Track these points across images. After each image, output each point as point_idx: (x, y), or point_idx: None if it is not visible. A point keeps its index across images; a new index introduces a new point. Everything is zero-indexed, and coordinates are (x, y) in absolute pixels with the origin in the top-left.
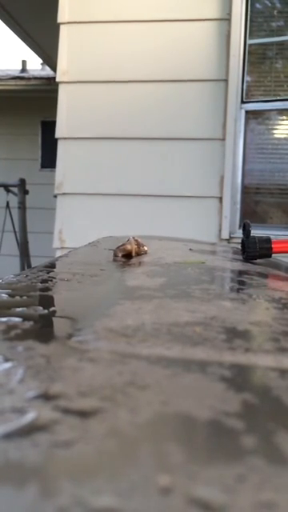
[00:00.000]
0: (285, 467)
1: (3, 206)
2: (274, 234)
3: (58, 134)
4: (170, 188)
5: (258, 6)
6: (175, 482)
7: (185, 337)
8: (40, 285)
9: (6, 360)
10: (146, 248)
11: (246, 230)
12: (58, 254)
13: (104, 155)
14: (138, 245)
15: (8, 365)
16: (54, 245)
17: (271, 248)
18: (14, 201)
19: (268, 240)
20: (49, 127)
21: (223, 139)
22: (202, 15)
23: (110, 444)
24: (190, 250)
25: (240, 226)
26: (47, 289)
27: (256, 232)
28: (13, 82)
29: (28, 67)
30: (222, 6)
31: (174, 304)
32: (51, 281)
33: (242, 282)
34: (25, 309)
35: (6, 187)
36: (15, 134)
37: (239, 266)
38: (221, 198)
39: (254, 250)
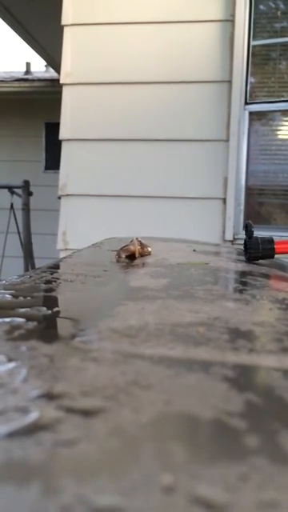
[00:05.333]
0: (287, 467)
1: (7, 207)
2: (278, 235)
3: (61, 136)
4: (173, 189)
5: (261, 7)
6: (178, 481)
7: (188, 337)
8: (43, 286)
9: (10, 360)
10: (149, 249)
11: (248, 230)
12: (62, 255)
13: (107, 157)
14: (142, 246)
15: (12, 364)
16: (57, 246)
17: (274, 248)
18: (18, 202)
19: (271, 240)
20: (53, 129)
21: (227, 140)
22: (206, 17)
23: (112, 443)
24: (194, 251)
25: (244, 227)
26: (51, 290)
27: (260, 233)
28: (17, 84)
29: (32, 69)
30: (225, 7)
31: (177, 304)
32: (55, 282)
33: (245, 283)
34: (28, 309)
35: (10, 189)
36: (19, 136)
37: (243, 266)
38: (224, 200)
39: (256, 251)
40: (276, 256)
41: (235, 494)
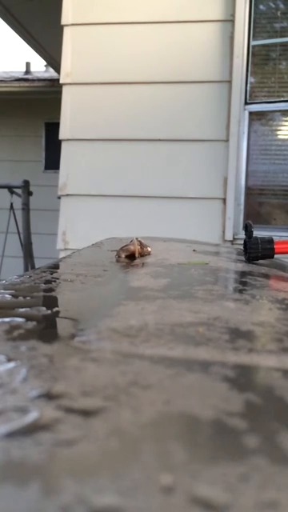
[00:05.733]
0: (287, 467)
1: (7, 207)
2: (278, 235)
3: (61, 136)
4: (173, 189)
5: (261, 7)
6: (178, 481)
7: (188, 337)
8: (43, 285)
9: (10, 360)
10: (149, 249)
11: (248, 230)
12: (62, 255)
13: (107, 157)
14: (142, 246)
15: (11, 364)
16: (57, 246)
17: (273, 249)
18: (17, 202)
19: (270, 240)
20: (52, 129)
21: (227, 140)
22: (206, 17)
23: (112, 443)
24: (194, 251)
25: (243, 228)
26: (50, 289)
27: (260, 233)
28: (17, 84)
29: (32, 69)
30: (225, 7)
31: (177, 304)
32: (54, 282)
33: (245, 283)
34: (28, 309)
35: (10, 189)
36: (19, 136)
37: (242, 266)
38: (224, 200)
39: (256, 251)
40: (276, 256)
41: (235, 494)
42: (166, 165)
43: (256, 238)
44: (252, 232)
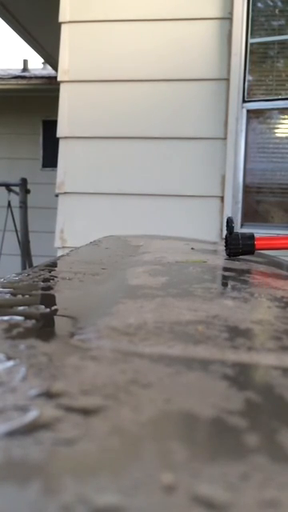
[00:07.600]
0: None
1: (5, 205)
2: (276, 233)
3: (59, 134)
4: (171, 187)
5: (259, 5)
6: (178, 479)
7: (187, 335)
8: (42, 284)
9: (9, 358)
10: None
11: (229, 226)
12: (60, 253)
13: (105, 154)
14: None
15: (10, 363)
16: (55, 244)
17: (254, 244)
18: (15, 200)
19: (251, 237)
20: (50, 126)
21: (225, 138)
22: (204, 14)
23: (112, 442)
24: (192, 249)
25: (241, 226)
26: (49, 288)
27: (257, 231)
28: (14, 82)
29: (29, 66)
30: (223, 5)
31: (176, 303)
32: (53, 280)
33: (243, 281)
34: (27, 307)
35: (8, 186)
36: (16, 134)
37: (241, 264)
38: (222, 198)
39: (236, 247)
40: (274, 253)
41: (236, 493)
42: (163, 163)
43: (237, 233)
44: (233, 227)
